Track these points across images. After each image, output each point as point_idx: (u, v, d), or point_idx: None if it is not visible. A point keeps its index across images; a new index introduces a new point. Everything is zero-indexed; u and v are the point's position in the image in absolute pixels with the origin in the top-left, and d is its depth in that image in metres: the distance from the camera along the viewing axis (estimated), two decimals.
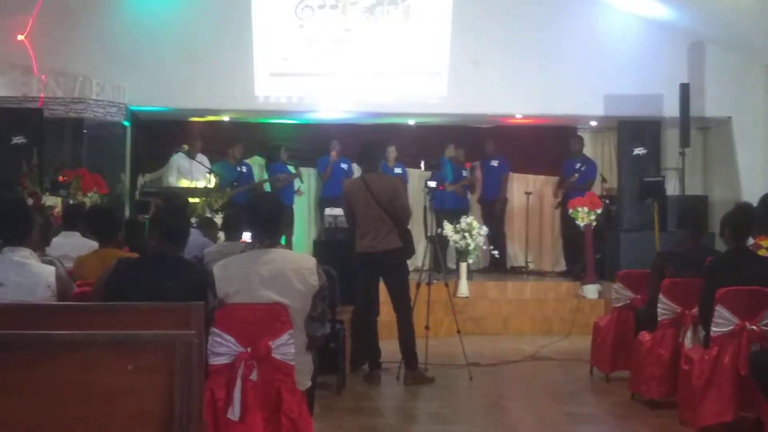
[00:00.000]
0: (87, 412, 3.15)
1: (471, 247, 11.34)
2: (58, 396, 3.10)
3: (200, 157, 11.97)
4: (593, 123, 13.81)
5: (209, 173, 11.70)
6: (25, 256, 4.69)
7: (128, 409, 3.17)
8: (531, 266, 13.78)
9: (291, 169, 13.18)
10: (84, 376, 3.09)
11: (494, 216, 13.39)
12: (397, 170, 13.13)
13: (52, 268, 4.76)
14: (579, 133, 13.91)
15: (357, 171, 12.95)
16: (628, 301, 7.86)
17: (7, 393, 3.09)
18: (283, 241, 5.67)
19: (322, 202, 13.28)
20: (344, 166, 13.34)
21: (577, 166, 13.03)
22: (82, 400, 3.11)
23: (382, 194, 7.95)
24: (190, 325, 3.42)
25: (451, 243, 11.55)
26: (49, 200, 9.72)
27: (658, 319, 6.77)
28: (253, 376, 4.37)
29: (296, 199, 13.24)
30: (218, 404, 4.34)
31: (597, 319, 8.68)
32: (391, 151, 13.03)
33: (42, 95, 11.50)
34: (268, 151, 13.68)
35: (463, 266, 11.51)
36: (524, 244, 13.90)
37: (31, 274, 4.63)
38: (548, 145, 14.09)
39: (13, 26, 11.70)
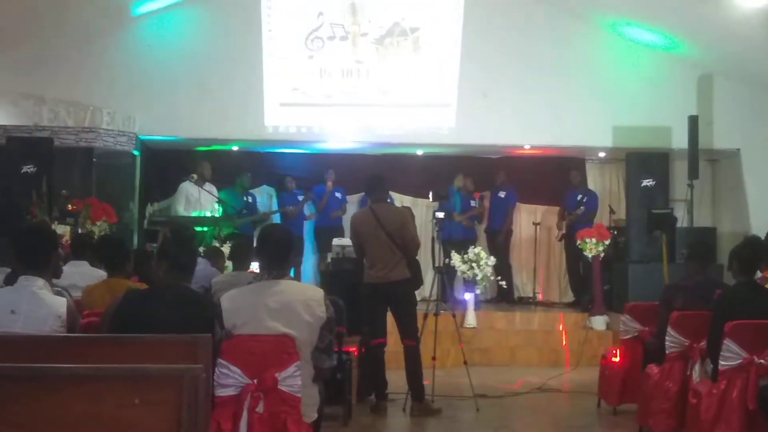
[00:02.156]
0: None
1: (479, 278, 11.32)
2: (64, 429, 3.10)
3: (208, 185, 12.01)
4: (602, 154, 13.83)
5: (217, 202, 11.73)
6: (39, 286, 4.70)
7: None
8: (539, 297, 13.76)
9: (299, 198, 13.22)
10: (91, 410, 3.08)
11: (498, 247, 13.37)
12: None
13: (63, 300, 4.77)
14: (587, 164, 13.95)
15: (352, 201, 13.14)
16: (636, 334, 7.83)
17: (13, 426, 3.08)
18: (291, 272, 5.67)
19: (317, 231, 13.31)
20: (338, 195, 13.40)
21: (579, 197, 13.03)
22: None
23: (390, 224, 7.96)
24: (197, 357, 3.42)
25: (459, 273, 11.54)
26: (58, 229, 9.74)
27: (666, 351, 6.73)
28: (260, 407, 4.36)
29: (306, 229, 13.30)
30: None
31: (605, 351, 8.64)
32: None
33: None
34: (277, 181, 13.75)
35: (471, 297, 11.48)
36: (532, 275, 13.89)
37: (42, 305, 4.63)
38: (557, 176, 14.07)
39: (23, 56, 11.79)
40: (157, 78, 12.28)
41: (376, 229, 7.97)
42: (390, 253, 7.96)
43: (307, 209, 13.50)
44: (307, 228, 13.68)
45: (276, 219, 13.13)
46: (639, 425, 7.24)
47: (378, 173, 8.90)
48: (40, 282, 4.69)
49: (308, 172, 14.03)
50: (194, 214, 11.62)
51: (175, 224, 10.55)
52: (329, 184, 13.27)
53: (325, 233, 12.54)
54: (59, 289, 5.18)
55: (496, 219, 13.63)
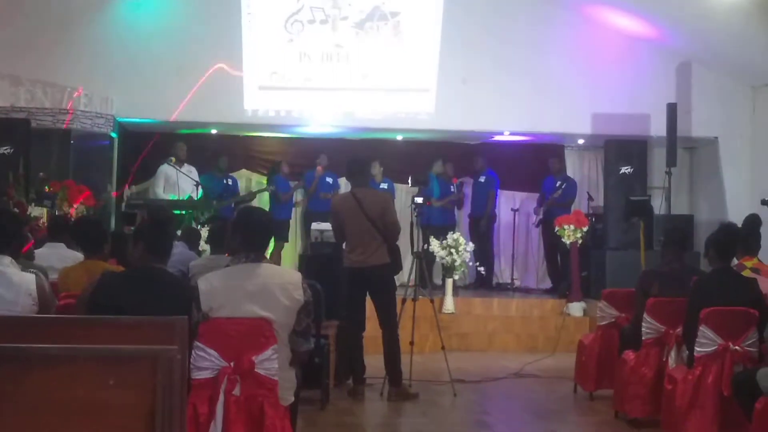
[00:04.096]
0: (67, 427, 3.10)
1: (457, 263, 11.33)
2: (37, 411, 3.05)
3: (187, 168, 11.95)
4: (580, 141, 13.85)
5: (196, 185, 11.67)
6: (5, 264, 4.65)
7: (109, 425, 3.12)
8: (517, 283, 13.80)
9: (290, 184, 13.21)
10: (64, 391, 3.05)
11: (481, 232, 13.37)
12: (383, 185, 13.07)
13: (32, 276, 4.73)
14: (566, 151, 13.98)
15: (343, 185, 13.04)
16: (613, 320, 7.87)
17: None
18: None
19: (308, 216, 13.24)
20: (329, 180, 13.31)
21: (558, 184, 13.06)
22: (62, 415, 3.06)
23: (372, 209, 7.93)
24: (173, 339, 3.38)
25: (438, 259, 11.54)
26: (35, 211, 9.68)
27: (643, 338, 6.77)
28: (236, 390, 4.36)
29: (293, 212, 13.27)
30: (200, 419, 4.33)
31: (582, 337, 8.68)
32: (375, 167, 12.95)
33: None
34: (271, 166, 13.68)
35: (449, 282, 11.49)
36: (510, 261, 13.92)
37: (11, 284, 4.60)
38: (535, 163, 14.07)
39: (0, 37, 11.66)
40: (135, 60, 12.16)
41: (358, 214, 7.94)
42: (371, 238, 7.95)
43: (298, 196, 13.49)
44: (298, 213, 13.65)
45: (265, 201, 13.04)
46: (615, 410, 7.30)
47: (359, 158, 8.89)
48: (6, 260, 4.65)
49: (289, 157, 13.93)
50: (172, 197, 11.57)
51: (152, 207, 10.49)
52: (319, 168, 13.20)
53: (315, 218, 12.47)
54: (35, 271, 5.13)
55: (479, 204, 13.61)
